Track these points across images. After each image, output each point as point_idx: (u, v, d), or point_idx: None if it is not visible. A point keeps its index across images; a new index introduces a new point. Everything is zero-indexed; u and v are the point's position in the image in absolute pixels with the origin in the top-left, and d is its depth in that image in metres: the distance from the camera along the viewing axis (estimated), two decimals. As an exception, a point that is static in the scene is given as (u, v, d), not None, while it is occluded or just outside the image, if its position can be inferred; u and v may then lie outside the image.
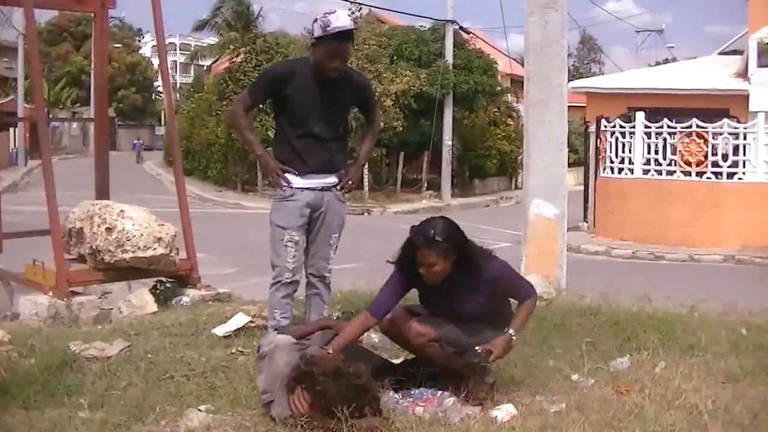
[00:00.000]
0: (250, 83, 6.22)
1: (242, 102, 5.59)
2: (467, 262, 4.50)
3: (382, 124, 26.25)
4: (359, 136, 5.98)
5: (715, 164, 17.24)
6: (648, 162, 18.26)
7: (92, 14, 8.99)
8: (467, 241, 4.54)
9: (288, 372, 4.17)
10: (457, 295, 4.56)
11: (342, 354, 4.34)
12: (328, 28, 5.16)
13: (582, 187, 20.80)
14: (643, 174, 18.26)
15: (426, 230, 4.45)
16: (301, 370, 4.10)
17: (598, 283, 7.50)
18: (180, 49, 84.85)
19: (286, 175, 5.38)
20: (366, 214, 25.77)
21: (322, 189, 5.44)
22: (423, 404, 4.35)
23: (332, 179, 5.49)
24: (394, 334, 4.71)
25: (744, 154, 17.21)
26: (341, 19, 5.17)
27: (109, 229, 7.19)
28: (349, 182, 5.61)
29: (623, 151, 18.50)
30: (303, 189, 5.38)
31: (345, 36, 5.24)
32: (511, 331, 4.49)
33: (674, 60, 41.01)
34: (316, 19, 5.24)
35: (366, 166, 27.86)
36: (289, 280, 5.41)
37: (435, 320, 4.59)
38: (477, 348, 4.42)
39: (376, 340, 5.47)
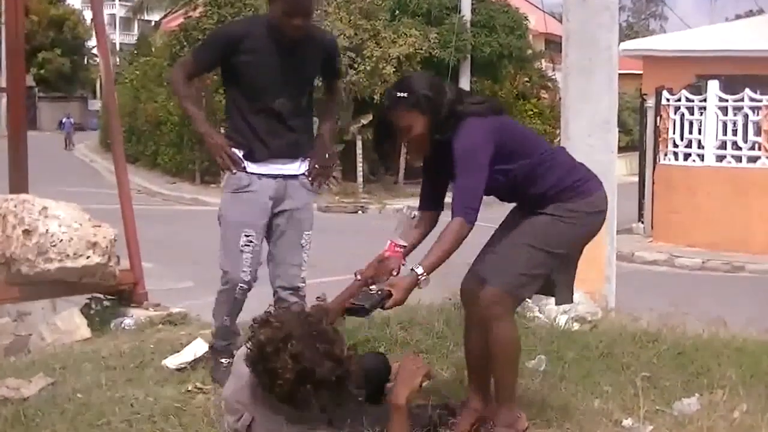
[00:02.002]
0: (195, 45, 6.34)
1: (184, 67, 5.70)
2: (448, 124, 4.56)
3: (380, 97, 26.71)
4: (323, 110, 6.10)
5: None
6: (723, 145, 18.28)
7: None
8: (444, 92, 4.60)
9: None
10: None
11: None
12: None
13: (636, 179, 20.83)
14: (717, 161, 18.29)
15: (391, 88, 4.66)
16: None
17: (658, 301, 7.52)
18: (120, 0, 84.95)
19: (238, 154, 5.47)
20: (360, 212, 25.83)
21: (285, 177, 5.54)
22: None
23: (296, 166, 5.59)
24: None
25: None
26: None
27: (27, 232, 7.19)
28: (317, 169, 5.70)
29: (691, 132, 18.54)
30: (262, 176, 5.48)
31: None
32: (419, 269, 4.39)
33: (760, 12, 40.92)
34: None
35: (360, 151, 28.05)
36: (243, 291, 5.54)
37: None
38: (371, 288, 4.40)
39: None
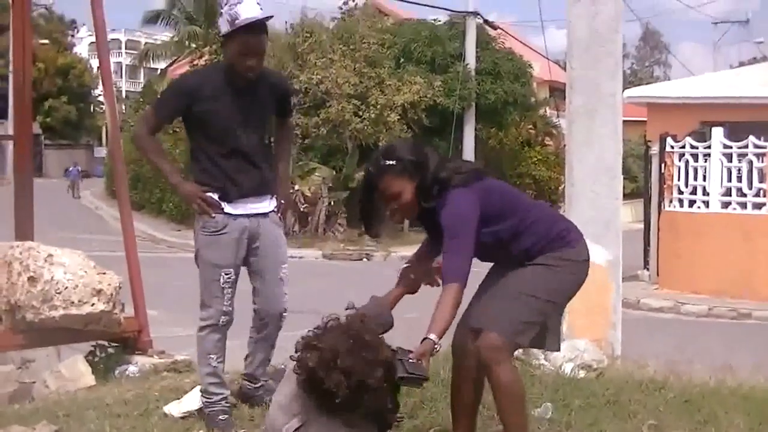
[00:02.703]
0: (155, 99, 6.48)
1: (147, 123, 5.86)
2: (433, 191, 4.68)
3: (384, 143, 26.81)
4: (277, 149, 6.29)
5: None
6: (728, 192, 18.29)
7: (10, 0, 9.04)
8: (428, 158, 4.71)
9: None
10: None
11: None
12: (236, 21, 5.49)
13: (642, 225, 20.83)
14: (722, 207, 18.29)
15: (377, 156, 4.80)
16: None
17: (664, 348, 7.51)
18: (126, 48, 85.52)
19: (213, 197, 5.64)
20: (365, 259, 25.78)
21: (257, 215, 5.75)
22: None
23: (267, 204, 5.82)
24: None
25: None
26: (250, 8, 5.49)
27: (32, 279, 7.19)
28: (284, 204, 6.03)
29: (696, 179, 18.56)
30: (236, 217, 5.67)
31: (257, 27, 5.57)
32: (432, 336, 4.45)
33: (764, 59, 41.16)
34: (221, 12, 5.60)
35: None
36: (224, 323, 5.73)
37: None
38: (408, 358, 4.42)
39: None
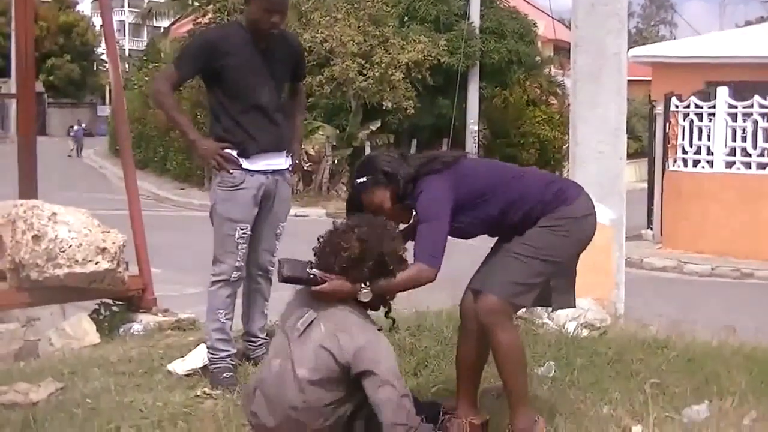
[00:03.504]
0: (175, 56, 6.53)
1: (168, 79, 5.92)
2: (408, 188, 4.76)
3: (389, 104, 26.78)
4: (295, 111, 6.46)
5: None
6: (733, 152, 18.25)
7: (13, -41, 9.00)
8: (397, 163, 4.79)
9: None
10: None
11: None
12: None
13: (646, 185, 20.81)
14: (726, 167, 18.26)
15: (353, 177, 4.95)
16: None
17: (667, 307, 7.52)
18: (129, 6, 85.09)
19: (232, 153, 5.75)
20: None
21: (274, 172, 5.88)
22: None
23: (284, 161, 5.95)
24: None
25: None
26: None
27: (36, 238, 7.20)
28: (297, 165, 6.19)
29: (700, 139, 18.52)
30: (254, 173, 5.78)
31: None
32: (365, 286, 4.52)
33: (768, 20, 40.88)
34: None
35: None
36: (236, 278, 5.83)
37: None
38: (314, 270, 4.54)
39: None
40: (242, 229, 5.75)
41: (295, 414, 4.36)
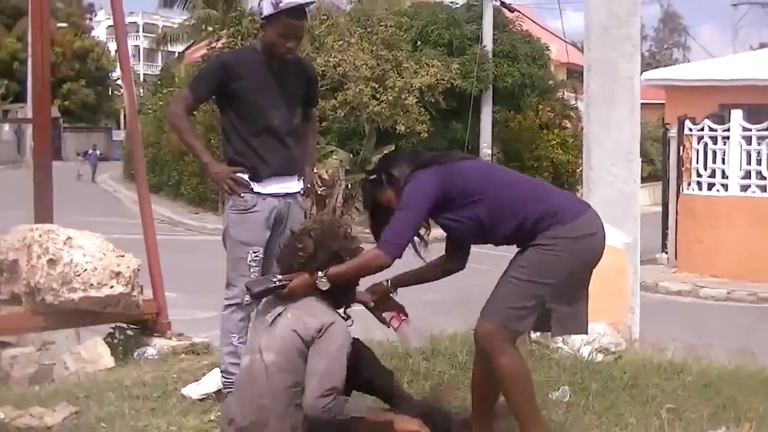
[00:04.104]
0: (191, 79, 6.63)
1: (183, 101, 6.00)
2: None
3: (403, 128, 26.80)
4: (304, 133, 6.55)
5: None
6: (747, 175, 18.22)
7: (29, -16, 9.04)
8: (396, 164, 4.88)
9: None
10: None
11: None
12: (281, 4, 5.67)
13: (660, 209, 20.76)
14: (741, 191, 18.22)
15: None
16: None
17: (683, 331, 7.49)
18: (144, 31, 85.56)
19: (243, 177, 5.81)
20: (382, 242, 25.74)
21: (286, 195, 5.93)
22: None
23: (295, 184, 6.00)
24: None
25: None
26: None
27: (52, 262, 7.22)
28: (309, 188, 6.22)
29: (714, 162, 18.48)
30: (266, 197, 5.83)
31: (299, 12, 5.79)
32: (322, 274, 4.72)
33: (782, 43, 40.82)
34: None
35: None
36: (249, 302, 5.74)
37: None
38: (277, 277, 4.84)
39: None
40: (254, 252, 5.78)
41: (261, 401, 4.54)
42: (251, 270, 5.78)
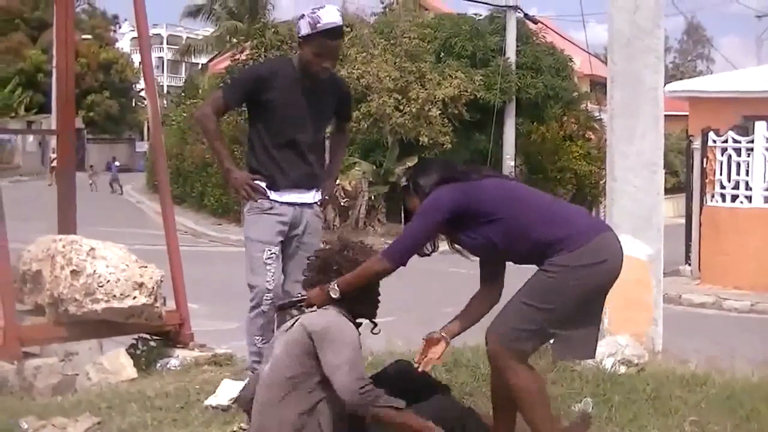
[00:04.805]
0: (224, 83, 6.78)
1: (214, 104, 6.20)
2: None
3: (426, 139, 26.79)
4: (332, 145, 6.81)
5: None
6: (771, 187, 18.14)
7: (53, -4, 9.09)
8: (424, 173, 4.93)
9: None
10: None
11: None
12: (318, 25, 5.88)
13: (683, 220, 20.68)
14: (765, 203, 18.14)
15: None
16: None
17: (706, 343, 7.45)
18: (168, 43, 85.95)
19: (261, 185, 6.03)
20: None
21: (302, 205, 6.11)
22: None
23: (312, 195, 6.18)
24: None
25: None
26: (331, 15, 5.94)
27: (75, 272, 7.24)
28: (327, 200, 6.42)
29: (738, 173, 18.40)
30: (281, 204, 6.04)
31: (336, 33, 6.00)
32: (332, 284, 4.83)
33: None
34: (303, 15, 5.98)
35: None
36: (268, 303, 5.99)
37: None
38: (299, 293, 5.09)
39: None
40: (270, 251, 5.99)
41: (264, 393, 4.67)
42: (267, 268, 5.97)
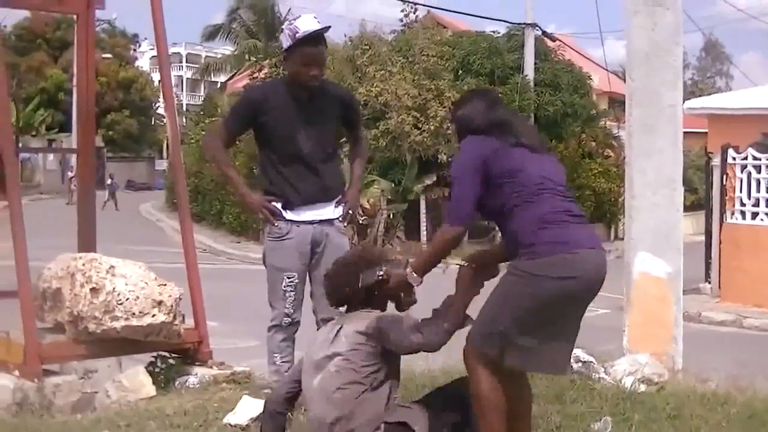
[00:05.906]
0: (227, 113, 6.89)
1: (219, 135, 6.35)
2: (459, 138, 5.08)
3: (445, 157, 26.80)
4: (350, 158, 6.83)
5: None
6: (792, 204, 18.09)
7: (74, 16, 9.13)
8: (465, 115, 5.05)
9: None
10: None
11: None
12: (297, 35, 5.95)
13: (703, 238, 20.62)
14: (786, 220, 18.08)
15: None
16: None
17: (726, 362, 7.40)
18: (187, 62, 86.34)
19: (277, 205, 6.07)
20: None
21: (321, 222, 6.11)
22: None
23: (331, 210, 6.18)
24: None
25: None
26: (308, 23, 6.01)
27: (94, 290, 7.26)
28: (350, 215, 6.41)
29: (758, 191, 18.35)
30: (299, 224, 6.05)
31: (316, 39, 6.05)
32: (408, 268, 4.89)
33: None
34: (282, 29, 6.13)
35: (424, 211, 28.08)
36: (288, 323, 6.11)
37: None
38: (380, 272, 4.98)
39: None
40: (289, 278, 6.05)
41: (335, 396, 4.77)
42: (286, 295, 6.05)
